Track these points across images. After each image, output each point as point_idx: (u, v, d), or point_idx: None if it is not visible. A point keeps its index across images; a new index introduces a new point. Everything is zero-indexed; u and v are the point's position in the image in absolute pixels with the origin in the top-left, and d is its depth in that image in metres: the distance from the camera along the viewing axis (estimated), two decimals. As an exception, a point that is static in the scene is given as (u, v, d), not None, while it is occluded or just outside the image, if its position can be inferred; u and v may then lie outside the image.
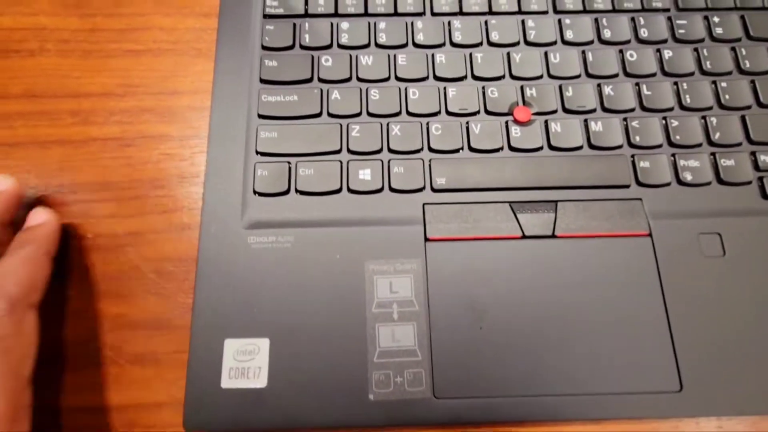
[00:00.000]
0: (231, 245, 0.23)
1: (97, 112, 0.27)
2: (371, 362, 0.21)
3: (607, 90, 0.26)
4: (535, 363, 0.22)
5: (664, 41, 0.28)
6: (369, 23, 0.28)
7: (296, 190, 0.24)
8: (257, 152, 0.25)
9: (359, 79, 0.26)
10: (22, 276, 0.20)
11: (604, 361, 0.22)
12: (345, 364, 0.21)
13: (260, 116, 0.26)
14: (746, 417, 0.22)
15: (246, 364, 0.21)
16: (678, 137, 0.26)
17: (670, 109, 0.26)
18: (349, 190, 0.24)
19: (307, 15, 0.28)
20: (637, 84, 0.27)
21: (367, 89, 0.26)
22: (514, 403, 0.21)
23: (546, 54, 0.27)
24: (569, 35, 0.28)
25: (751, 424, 0.22)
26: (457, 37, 0.27)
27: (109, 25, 0.29)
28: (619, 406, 0.21)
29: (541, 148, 0.25)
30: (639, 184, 0.25)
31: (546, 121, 0.26)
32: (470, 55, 0.27)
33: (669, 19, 0.28)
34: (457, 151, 0.25)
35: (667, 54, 0.27)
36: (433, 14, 0.28)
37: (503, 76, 0.27)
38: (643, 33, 0.28)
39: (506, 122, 0.26)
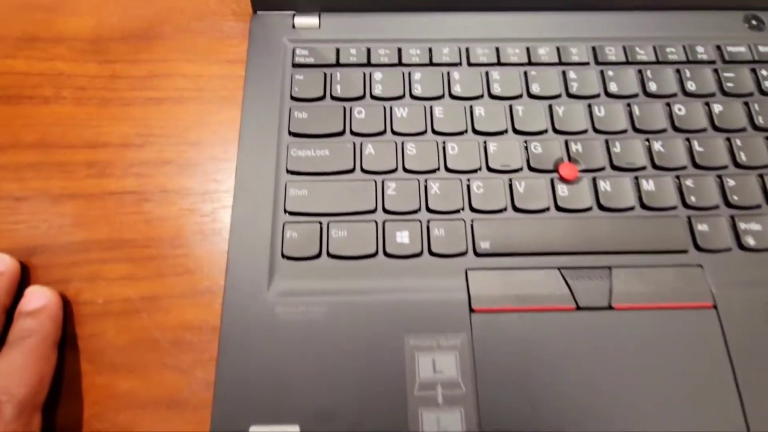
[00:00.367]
0: (257, 314, 0.21)
1: (114, 163, 0.25)
2: (414, 454, 0.19)
3: (656, 146, 0.25)
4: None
5: (712, 95, 0.26)
6: (403, 73, 0.26)
7: (328, 254, 0.22)
8: (286, 211, 0.23)
9: (394, 133, 0.25)
10: (28, 375, 0.18)
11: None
12: (385, 456, 0.19)
13: (289, 171, 0.24)
14: None
15: (273, 456, 0.19)
16: (735, 197, 0.24)
17: (725, 167, 0.25)
18: (386, 254, 0.22)
19: (338, 64, 0.26)
20: (687, 139, 0.25)
21: (402, 143, 0.25)
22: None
23: (590, 107, 0.26)
24: (613, 88, 0.26)
25: None
26: (496, 89, 0.26)
27: (129, 71, 0.27)
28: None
29: (590, 209, 0.24)
30: (698, 248, 0.23)
31: (594, 179, 0.24)
32: (510, 107, 0.26)
33: (716, 71, 0.27)
34: (500, 211, 0.23)
35: (716, 108, 0.26)
36: (470, 64, 0.27)
37: (546, 131, 0.25)
38: (690, 86, 0.26)
39: (552, 180, 0.24)
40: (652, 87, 0.26)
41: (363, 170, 0.24)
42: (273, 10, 0.28)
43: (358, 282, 0.22)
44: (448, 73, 0.26)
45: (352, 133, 0.25)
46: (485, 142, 0.25)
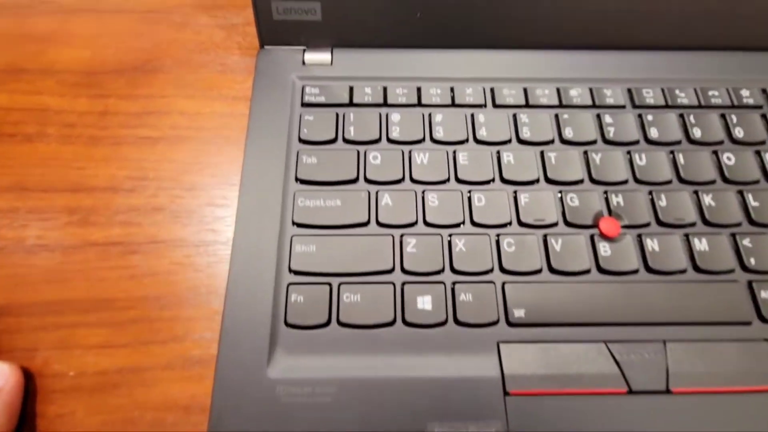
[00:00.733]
0: (255, 396, 0.18)
1: (99, 210, 0.23)
2: None
3: (707, 200, 0.22)
4: None
5: (762, 142, 0.24)
6: (423, 115, 0.24)
7: (339, 322, 0.19)
8: (291, 270, 0.20)
9: (414, 181, 0.22)
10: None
11: None
12: None
13: (296, 224, 0.21)
14: None
15: None
16: (800, 260, 0.21)
17: (785, 225, 0.22)
18: (405, 323, 0.19)
19: (352, 104, 0.24)
20: (740, 192, 0.23)
21: (423, 193, 0.22)
22: None
23: (629, 154, 0.23)
24: (654, 133, 0.24)
25: None
26: (525, 133, 0.24)
27: (123, 107, 0.25)
28: None
29: (636, 271, 0.21)
30: (762, 320, 0.20)
31: (639, 236, 0.21)
32: (542, 153, 0.23)
33: (763, 116, 0.25)
34: (536, 272, 0.21)
35: (769, 158, 0.23)
36: (496, 106, 0.25)
37: (582, 180, 0.23)
38: (738, 133, 0.24)
39: (592, 236, 0.21)
40: (697, 133, 0.24)
41: (379, 223, 0.21)
42: (282, 44, 0.26)
43: (373, 357, 0.19)
44: (473, 115, 0.24)
45: (367, 180, 0.22)
46: (515, 193, 0.22)
